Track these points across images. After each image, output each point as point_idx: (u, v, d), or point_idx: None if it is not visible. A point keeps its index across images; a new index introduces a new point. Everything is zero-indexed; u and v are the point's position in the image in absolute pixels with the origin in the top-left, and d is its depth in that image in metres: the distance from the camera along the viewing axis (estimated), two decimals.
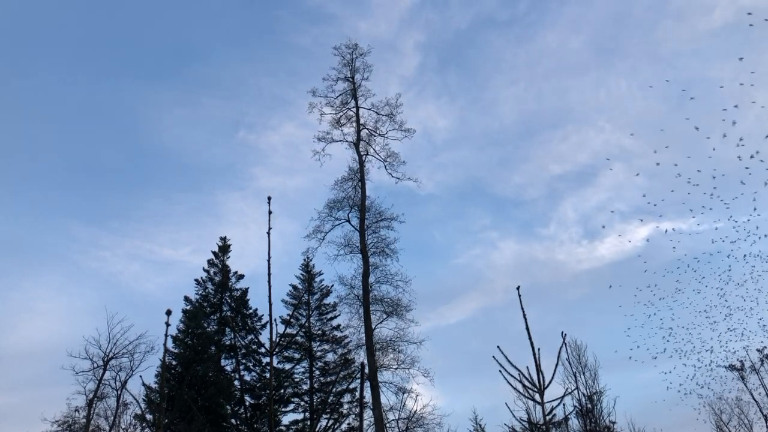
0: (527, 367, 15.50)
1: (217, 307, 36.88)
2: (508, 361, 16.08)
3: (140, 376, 34.68)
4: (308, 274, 39.61)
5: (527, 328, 16.81)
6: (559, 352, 16.31)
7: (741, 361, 42.66)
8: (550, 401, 16.21)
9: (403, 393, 33.15)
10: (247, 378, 36.14)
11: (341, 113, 36.67)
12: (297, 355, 37.53)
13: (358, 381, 31.63)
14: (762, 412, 40.70)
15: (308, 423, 35.26)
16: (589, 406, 37.64)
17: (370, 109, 36.76)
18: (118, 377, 36.73)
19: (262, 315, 37.56)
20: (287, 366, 37.34)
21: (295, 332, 35.17)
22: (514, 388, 16.41)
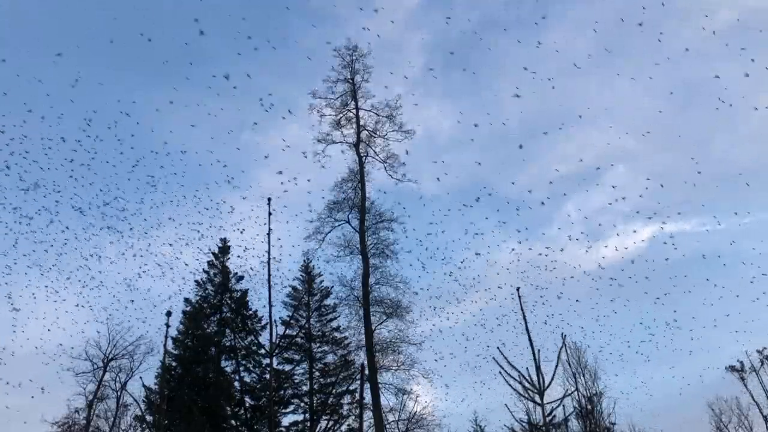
0: (527, 369, 15.53)
1: (217, 309, 36.88)
2: (508, 362, 16.12)
3: (140, 378, 34.93)
4: (308, 275, 39.60)
5: (527, 330, 16.84)
6: (559, 354, 16.37)
7: (741, 362, 42.74)
8: (550, 402, 16.25)
9: (403, 394, 33.20)
10: (247, 379, 36.16)
11: (341, 114, 36.67)
12: (297, 357, 37.51)
13: (358, 382, 31.62)
14: (762, 413, 40.72)
15: (308, 424, 35.24)
16: (589, 407, 37.67)
17: (370, 111, 36.76)
18: (118, 378, 36.86)
19: (262, 316, 37.58)
20: (287, 367, 37.34)
21: (294, 333, 35.12)
22: (515, 390, 16.45)
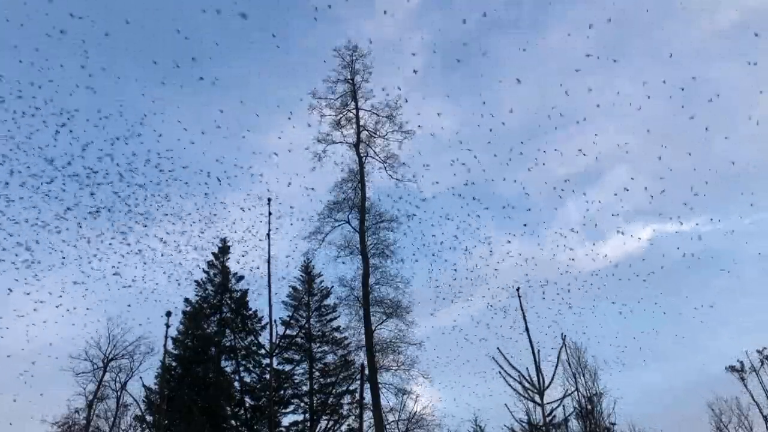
0: (527, 369, 15.53)
1: (216, 309, 36.87)
2: (508, 362, 16.12)
3: (140, 378, 35.01)
4: (308, 275, 39.61)
5: (527, 330, 16.85)
6: (559, 354, 16.37)
7: (741, 362, 42.74)
8: (550, 402, 16.26)
9: (403, 394, 33.23)
10: (247, 379, 36.15)
11: (341, 115, 36.65)
12: (297, 357, 37.52)
13: (358, 382, 31.62)
14: (762, 413, 40.72)
15: (308, 424, 35.25)
16: (589, 407, 37.68)
17: (370, 111, 36.75)
18: (118, 378, 36.92)
19: (262, 316, 37.58)
20: (287, 367, 37.34)
21: (294, 333, 35.11)
22: (515, 390, 16.46)
